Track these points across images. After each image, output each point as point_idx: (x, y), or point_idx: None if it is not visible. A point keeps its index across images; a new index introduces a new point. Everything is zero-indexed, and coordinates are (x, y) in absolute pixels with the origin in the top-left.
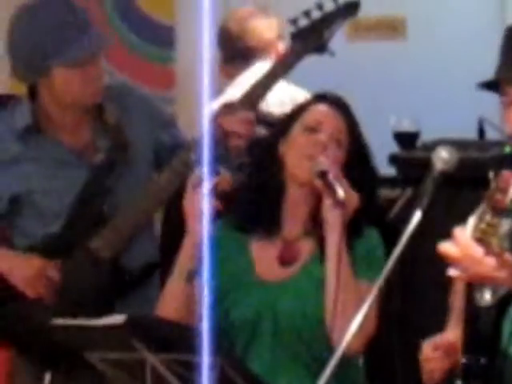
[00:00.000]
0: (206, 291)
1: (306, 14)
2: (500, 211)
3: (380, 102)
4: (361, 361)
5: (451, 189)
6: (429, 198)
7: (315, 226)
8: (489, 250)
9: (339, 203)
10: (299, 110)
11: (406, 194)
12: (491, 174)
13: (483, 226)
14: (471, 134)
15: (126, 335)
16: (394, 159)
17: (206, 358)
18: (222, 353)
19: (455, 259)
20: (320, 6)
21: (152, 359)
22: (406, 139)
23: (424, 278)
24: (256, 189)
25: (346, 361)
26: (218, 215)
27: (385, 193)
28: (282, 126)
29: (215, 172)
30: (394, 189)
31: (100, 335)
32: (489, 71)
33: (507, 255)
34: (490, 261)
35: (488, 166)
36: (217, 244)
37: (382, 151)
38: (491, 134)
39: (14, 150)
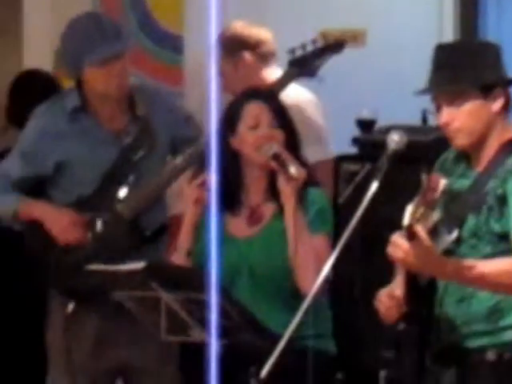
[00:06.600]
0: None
1: (303, 46)
2: (431, 205)
3: (346, 96)
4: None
5: (401, 164)
6: (384, 171)
7: (273, 194)
8: (419, 234)
9: (292, 178)
10: (238, 110)
11: (365, 168)
12: (423, 176)
13: (417, 215)
14: (417, 121)
15: (145, 278)
16: (356, 141)
17: (211, 296)
18: (221, 291)
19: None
20: (314, 41)
21: (166, 297)
22: (365, 125)
23: (382, 237)
24: (221, 176)
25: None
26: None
27: (349, 167)
28: (228, 125)
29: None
30: (356, 164)
31: (124, 278)
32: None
33: (429, 244)
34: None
35: (429, 146)
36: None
37: (347, 134)
38: (432, 121)
39: (62, 126)
